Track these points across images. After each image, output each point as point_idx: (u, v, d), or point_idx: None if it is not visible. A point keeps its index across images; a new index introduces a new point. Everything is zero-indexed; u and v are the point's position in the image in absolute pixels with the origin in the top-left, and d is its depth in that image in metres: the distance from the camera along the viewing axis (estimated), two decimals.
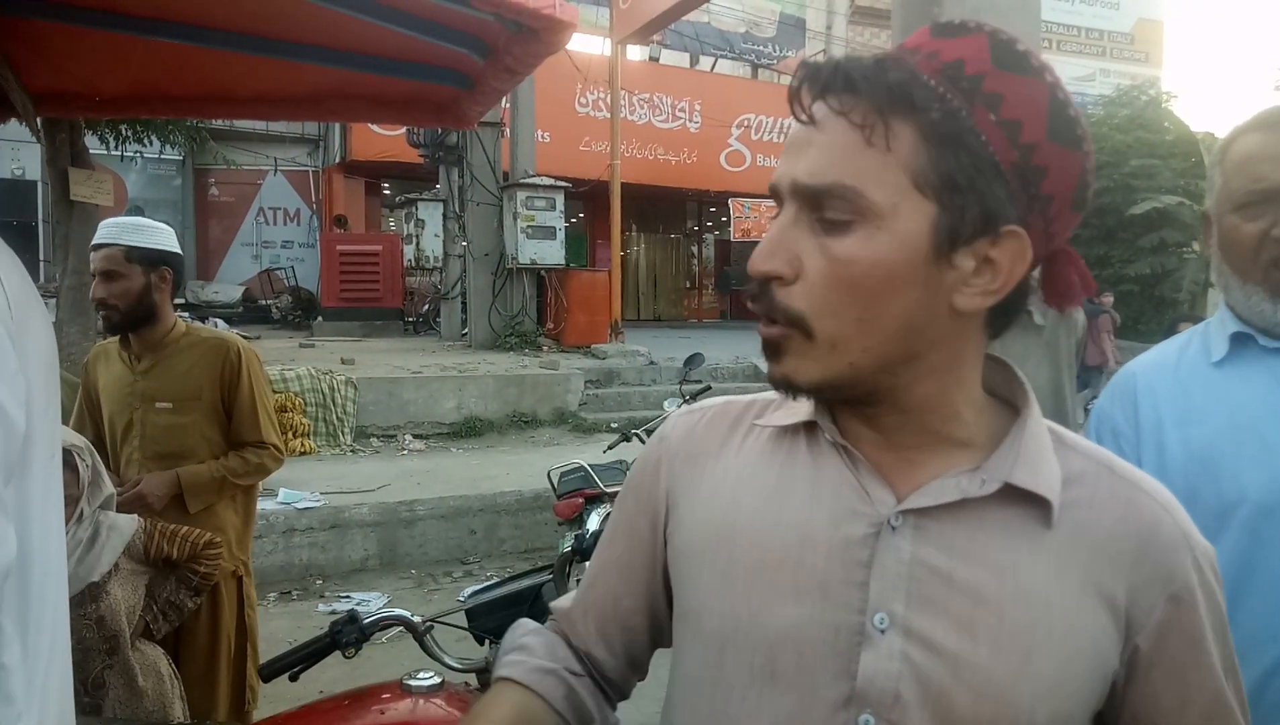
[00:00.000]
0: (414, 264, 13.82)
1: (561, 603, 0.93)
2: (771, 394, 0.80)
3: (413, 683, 1.59)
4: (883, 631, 0.67)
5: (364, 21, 1.47)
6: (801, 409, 0.76)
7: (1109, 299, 11.07)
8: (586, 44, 14.17)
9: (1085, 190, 0.68)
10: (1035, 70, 0.65)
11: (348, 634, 1.59)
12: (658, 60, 17.71)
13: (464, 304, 11.94)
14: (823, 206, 0.65)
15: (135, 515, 2.08)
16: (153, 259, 2.47)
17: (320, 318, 13.66)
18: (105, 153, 8.82)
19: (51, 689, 1.07)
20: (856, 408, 0.72)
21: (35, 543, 1.04)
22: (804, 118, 0.66)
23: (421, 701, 1.58)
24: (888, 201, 0.64)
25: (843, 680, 0.68)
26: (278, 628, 4.10)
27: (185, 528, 2.17)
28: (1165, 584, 0.69)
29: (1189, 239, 12.99)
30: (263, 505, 4.03)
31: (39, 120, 1.99)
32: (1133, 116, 13.93)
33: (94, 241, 2.43)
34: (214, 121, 11.74)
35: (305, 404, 6.86)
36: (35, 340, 1.07)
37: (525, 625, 0.92)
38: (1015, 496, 0.69)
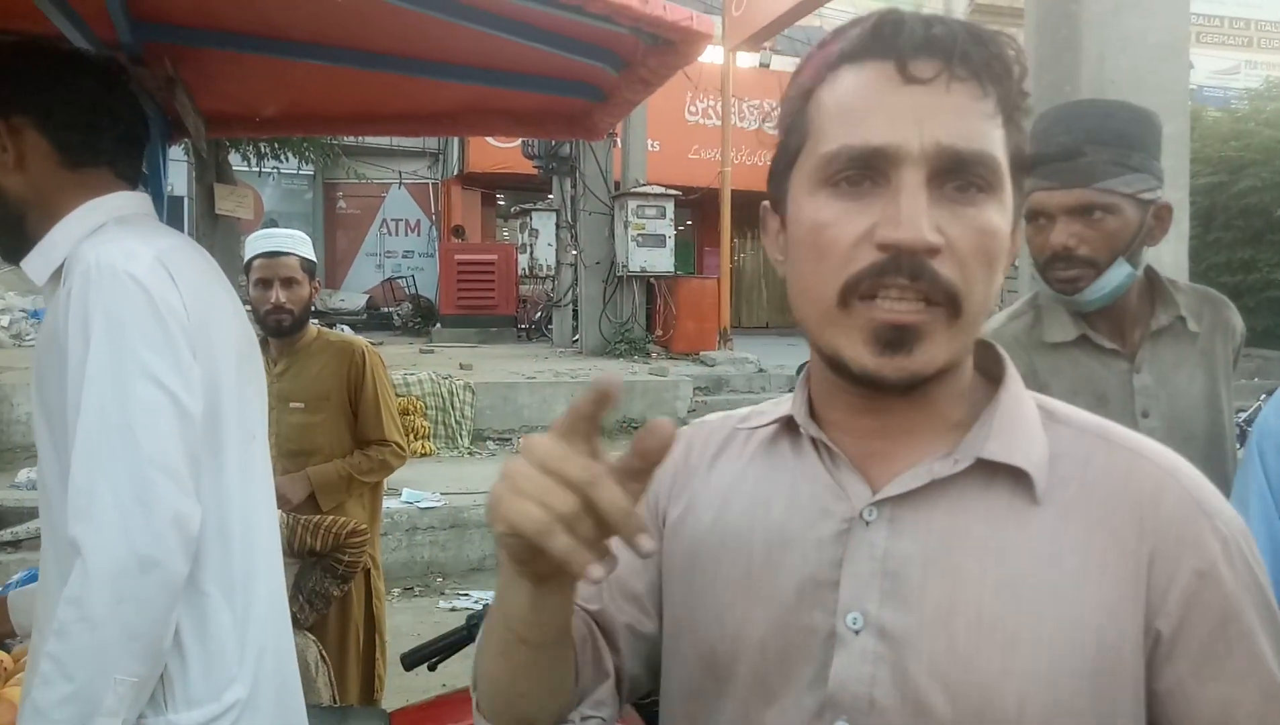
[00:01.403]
0: (527, 272, 14.13)
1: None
2: (765, 404, 0.80)
3: None
4: (856, 632, 0.64)
5: (505, 39, 1.53)
6: (783, 407, 0.75)
7: None
8: None
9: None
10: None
11: None
12: (768, 66, 17.56)
13: (575, 311, 12.14)
14: (965, 174, 0.62)
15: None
16: (313, 270, 2.67)
17: (439, 324, 14.13)
18: (245, 169, 9.42)
19: (268, 656, 1.16)
20: (887, 399, 0.66)
21: (235, 520, 1.13)
22: (926, 76, 0.61)
23: None
24: (1004, 174, 0.64)
25: (818, 686, 0.65)
26: (401, 622, 4.27)
27: (328, 518, 2.28)
28: (1180, 557, 0.62)
29: None
30: (387, 504, 4.21)
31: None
32: None
33: (267, 250, 2.62)
34: (345, 138, 12.34)
35: (426, 407, 7.12)
36: (222, 332, 1.17)
37: None
38: (996, 474, 0.65)
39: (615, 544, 0.73)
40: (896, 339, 0.62)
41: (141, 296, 1.06)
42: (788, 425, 0.74)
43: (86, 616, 0.99)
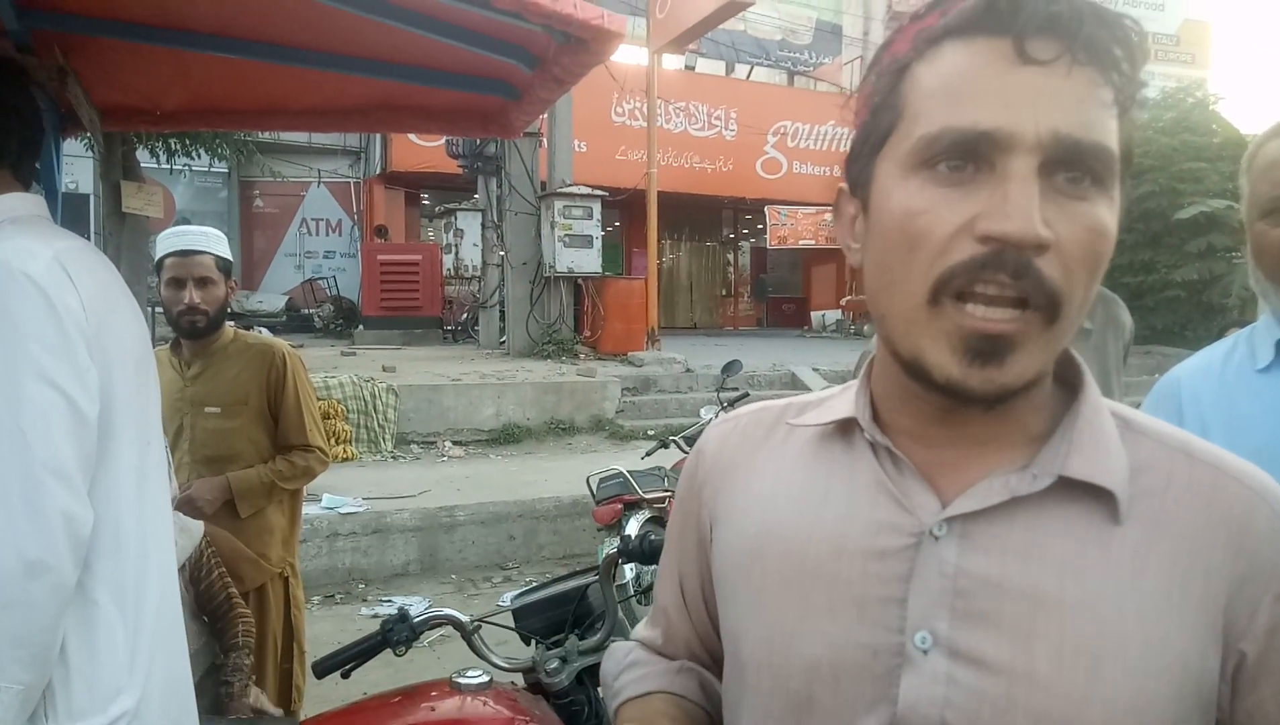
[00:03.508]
0: (453, 273, 13.97)
1: (642, 633, 0.89)
2: (810, 395, 0.77)
3: (462, 680, 1.61)
4: (925, 652, 0.61)
5: (414, 34, 1.51)
6: (840, 406, 0.71)
7: None
8: (623, 54, 14.24)
9: None
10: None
11: (399, 632, 1.63)
12: (694, 69, 17.72)
13: (502, 312, 12.04)
14: (1080, 166, 0.57)
15: (202, 523, 2.13)
16: (229, 269, 2.58)
17: (361, 326, 13.85)
18: (155, 166, 9.06)
19: (159, 665, 1.13)
20: (964, 410, 0.63)
21: (128, 525, 1.10)
22: (1046, 57, 0.56)
23: (470, 699, 1.61)
24: (1117, 171, 0.59)
25: (882, 707, 0.62)
26: (322, 630, 4.16)
27: (237, 606, 2.13)
28: (1269, 581, 0.60)
29: (1238, 243, 12.68)
30: (306, 510, 4.10)
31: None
32: (1178, 119, 13.64)
33: (180, 247, 2.52)
34: (260, 134, 11.98)
35: (347, 411, 6.97)
36: (119, 335, 1.13)
37: (620, 646, 0.89)
38: (1075, 491, 0.61)
39: (674, 555, 0.83)
40: (989, 350, 0.57)
41: (38, 296, 1.03)
42: (842, 425, 0.70)
43: None
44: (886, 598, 0.63)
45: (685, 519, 0.81)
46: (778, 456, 0.73)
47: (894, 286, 0.61)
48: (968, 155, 0.57)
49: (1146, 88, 0.61)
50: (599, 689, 1.82)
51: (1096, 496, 0.61)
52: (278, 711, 1.96)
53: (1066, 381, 0.67)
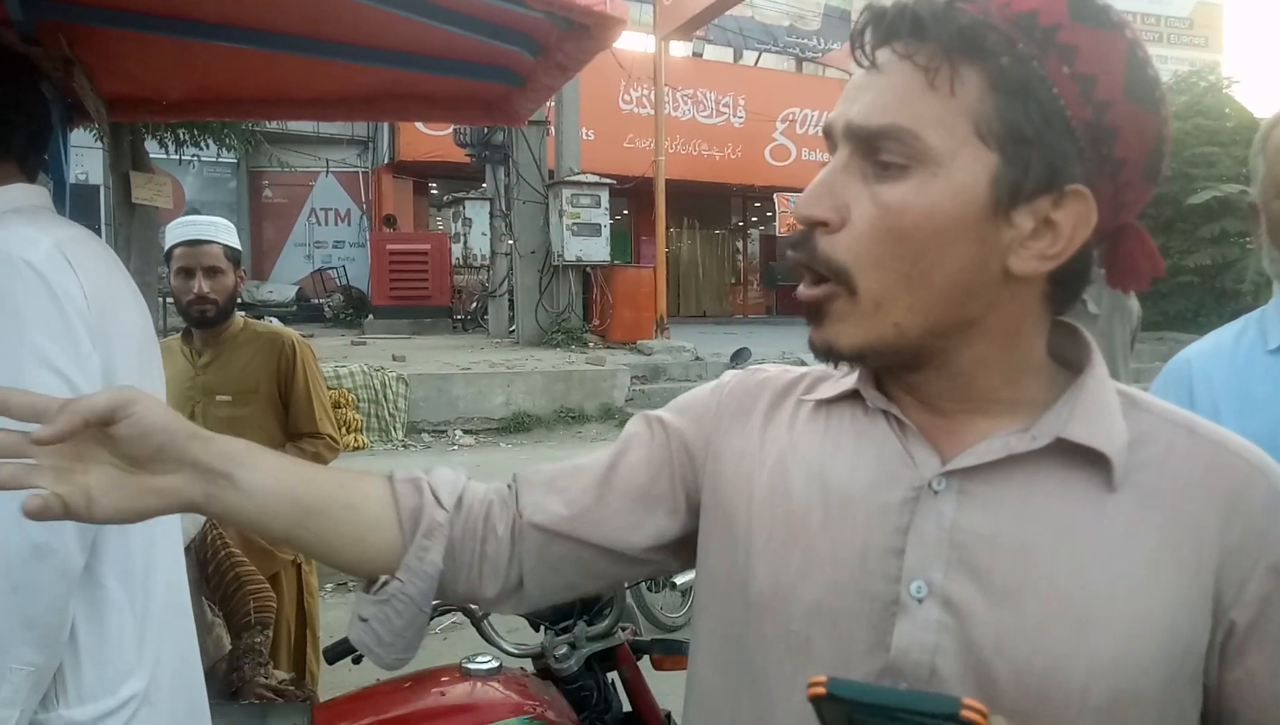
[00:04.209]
0: (461, 262, 13.99)
1: (526, 479, 0.82)
2: (821, 369, 0.78)
3: (471, 666, 1.63)
4: (920, 601, 0.63)
5: (418, 22, 1.51)
6: (847, 381, 0.74)
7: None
8: (630, 41, 14.20)
9: (1160, 159, 0.63)
10: (1114, 25, 0.61)
11: None
12: (701, 56, 17.65)
13: (511, 301, 12.06)
14: (878, 150, 0.62)
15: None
16: (238, 258, 2.60)
17: (371, 316, 13.90)
18: (164, 157, 9.09)
19: (167, 649, 1.14)
20: (900, 374, 0.69)
21: None
22: (865, 62, 0.63)
23: (479, 684, 1.62)
24: (946, 147, 0.60)
25: (877, 653, 0.64)
26: (336, 618, 4.19)
27: (246, 578, 2.13)
28: (1262, 552, 0.61)
29: (1251, 228, 12.56)
30: None
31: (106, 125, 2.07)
32: (1191, 103, 13.52)
33: (189, 237, 2.53)
34: (268, 124, 11.99)
35: (358, 400, 7.00)
36: (121, 322, 1.14)
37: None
38: (1073, 455, 0.63)
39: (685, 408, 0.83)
40: (809, 314, 0.66)
41: (39, 284, 1.04)
42: (851, 395, 0.73)
43: None
44: (886, 548, 0.65)
45: (682, 419, 0.81)
46: (789, 422, 0.76)
47: None
48: (832, 148, 0.66)
49: (1001, 59, 0.61)
50: (608, 674, 1.84)
51: (1094, 462, 0.63)
52: (300, 695, 1.96)
53: (1074, 361, 0.70)
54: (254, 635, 2.02)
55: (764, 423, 0.77)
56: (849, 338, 0.64)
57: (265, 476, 0.71)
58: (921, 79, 0.61)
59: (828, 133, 0.66)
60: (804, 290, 0.65)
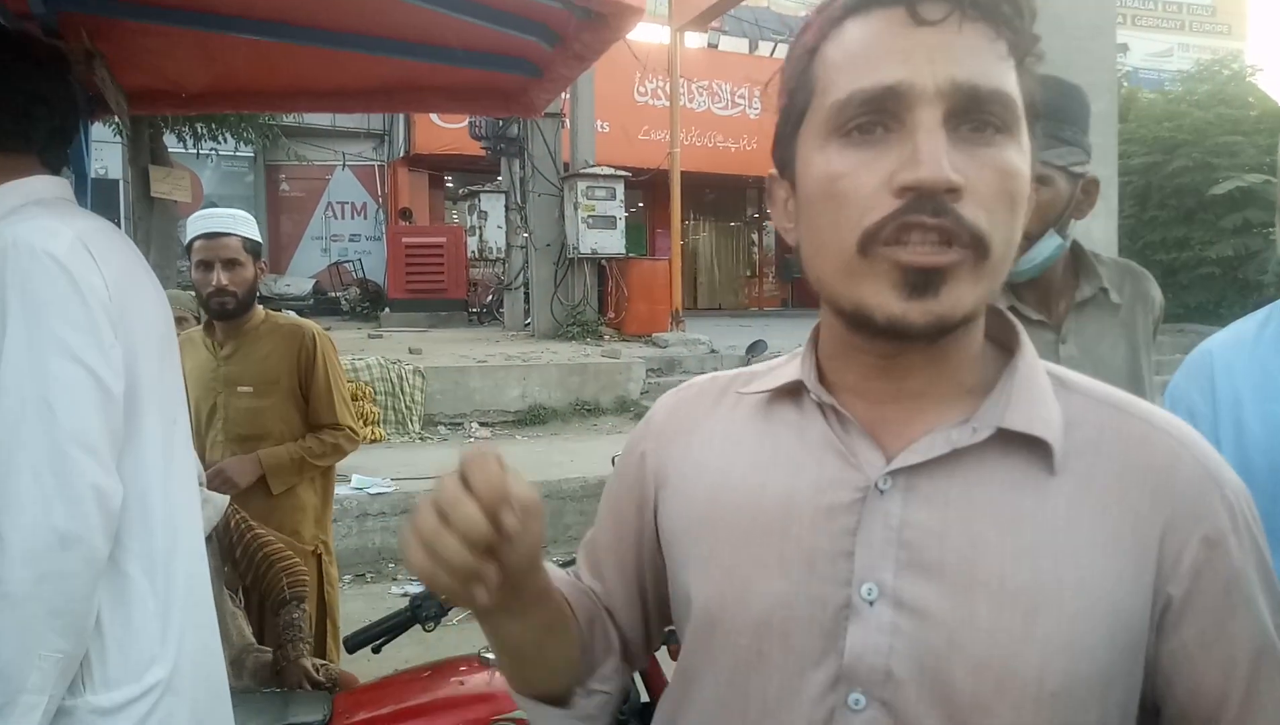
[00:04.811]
0: (477, 255, 14.01)
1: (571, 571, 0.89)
2: (760, 365, 0.79)
3: (490, 656, 1.64)
4: (871, 603, 0.63)
5: (436, 13, 1.51)
6: (788, 372, 0.73)
7: None
8: (645, 32, 14.13)
9: None
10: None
11: (428, 608, 1.65)
12: (716, 47, 17.54)
13: (526, 294, 12.08)
14: (982, 113, 0.60)
15: (226, 495, 2.16)
16: (258, 251, 2.62)
17: (387, 309, 13.95)
18: (182, 151, 9.15)
19: (189, 637, 1.16)
20: (893, 358, 0.66)
21: (156, 500, 1.12)
22: (937, 17, 0.60)
23: (498, 674, 1.63)
24: (1020, 115, 0.62)
25: (831, 658, 0.63)
26: (353, 609, 4.22)
27: (272, 546, 2.16)
28: (1192, 525, 0.62)
29: (1277, 220, 12.37)
30: (336, 490, 4.16)
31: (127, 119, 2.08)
32: (1214, 92, 13.33)
33: (207, 230, 2.55)
34: (285, 118, 12.02)
35: (375, 392, 7.04)
36: (143, 315, 1.15)
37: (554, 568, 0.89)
38: (1013, 443, 0.64)
39: (608, 516, 0.82)
40: (923, 282, 0.60)
41: (61, 275, 1.05)
42: (789, 389, 0.72)
43: (7, 594, 0.98)
44: (835, 552, 0.65)
45: (624, 484, 0.82)
46: (727, 421, 0.75)
47: (825, 247, 0.64)
48: (877, 113, 0.61)
49: (1039, 41, 0.64)
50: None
51: (1033, 448, 0.64)
52: (325, 680, 1.97)
53: (1003, 343, 0.70)
54: (291, 611, 2.04)
55: (702, 435, 0.76)
56: (965, 304, 0.61)
57: (543, 613, 0.74)
58: (1003, 46, 0.61)
59: (897, 92, 0.60)
60: (932, 257, 0.59)
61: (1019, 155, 0.62)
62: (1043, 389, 0.66)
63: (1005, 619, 0.60)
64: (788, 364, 0.75)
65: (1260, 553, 0.65)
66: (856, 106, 0.61)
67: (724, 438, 0.74)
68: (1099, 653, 0.61)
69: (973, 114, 0.60)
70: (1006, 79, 0.61)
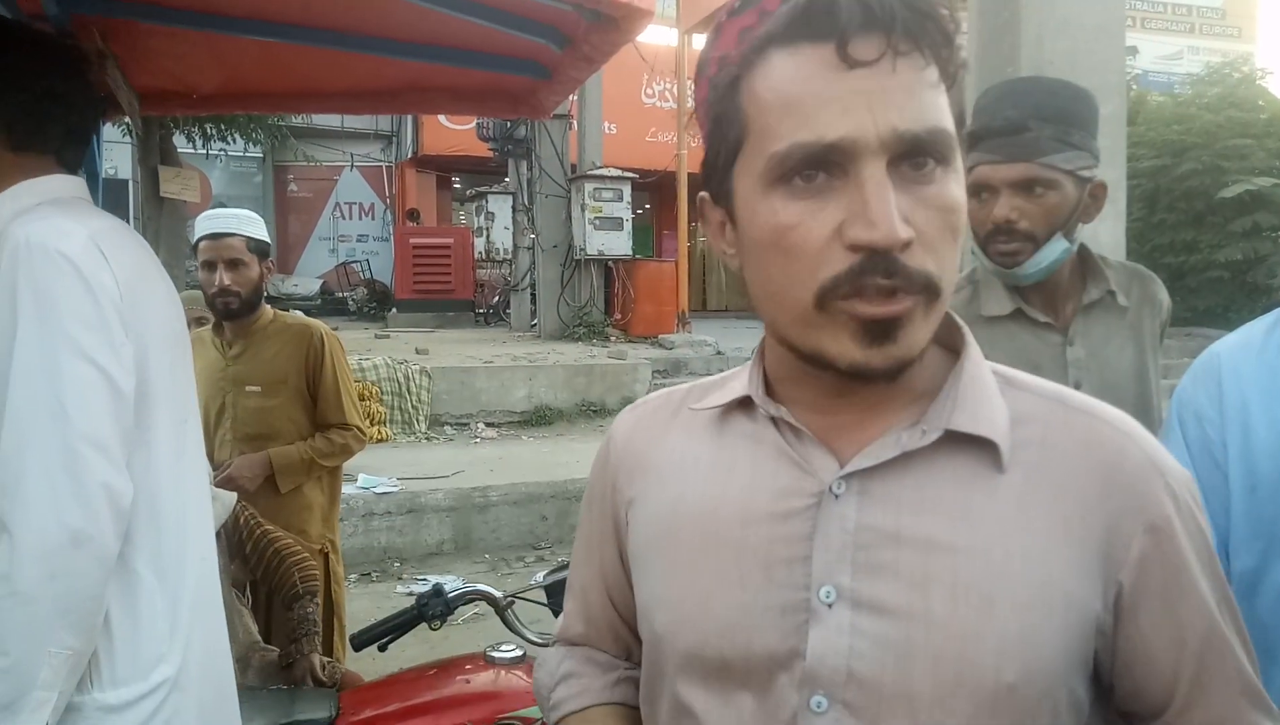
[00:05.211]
0: (484, 256, 14.04)
1: (565, 627, 0.90)
2: (711, 378, 0.80)
3: (495, 654, 1.64)
4: (829, 606, 0.64)
5: (445, 15, 1.52)
6: (737, 386, 0.74)
7: None
8: (653, 34, 14.14)
9: None
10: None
11: (434, 607, 1.65)
12: None
13: (533, 295, 12.09)
14: (921, 153, 0.60)
15: (234, 493, 2.17)
16: (264, 251, 2.62)
17: (394, 309, 13.98)
18: (191, 151, 9.18)
19: (197, 636, 1.16)
20: (847, 380, 0.66)
21: (166, 499, 1.13)
22: (870, 57, 0.58)
23: (504, 672, 1.64)
24: (954, 141, 0.62)
25: (793, 664, 0.64)
26: (359, 608, 4.23)
27: (282, 542, 2.17)
28: (1139, 514, 0.64)
29: None
30: (343, 489, 4.18)
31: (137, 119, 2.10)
32: (1223, 95, 13.26)
33: (212, 231, 2.56)
34: (293, 119, 12.05)
35: (382, 392, 7.05)
36: (154, 313, 1.16)
37: (551, 654, 0.90)
38: (961, 443, 0.65)
39: (594, 588, 0.86)
40: (881, 331, 0.61)
41: (73, 274, 1.06)
42: (741, 403, 0.73)
43: (17, 592, 0.99)
44: (791, 558, 0.66)
45: (600, 505, 0.83)
46: (684, 436, 0.77)
47: (779, 297, 0.65)
48: (818, 166, 0.60)
49: (964, 51, 0.64)
50: None
51: (981, 447, 0.65)
52: (329, 676, 1.98)
53: (950, 345, 0.72)
54: (305, 605, 2.04)
55: (660, 453, 0.77)
56: (922, 342, 0.63)
57: None
58: (932, 74, 0.60)
59: (843, 148, 0.59)
60: (885, 309, 0.60)
61: (957, 185, 0.63)
62: (988, 389, 0.68)
63: (960, 613, 0.62)
64: (738, 376, 0.76)
65: (1204, 537, 0.67)
66: (799, 160, 0.60)
67: (682, 453, 0.75)
68: (1056, 644, 0.62)
69: (914, 155, 0.60)
70: (942, 113, 0.61)
